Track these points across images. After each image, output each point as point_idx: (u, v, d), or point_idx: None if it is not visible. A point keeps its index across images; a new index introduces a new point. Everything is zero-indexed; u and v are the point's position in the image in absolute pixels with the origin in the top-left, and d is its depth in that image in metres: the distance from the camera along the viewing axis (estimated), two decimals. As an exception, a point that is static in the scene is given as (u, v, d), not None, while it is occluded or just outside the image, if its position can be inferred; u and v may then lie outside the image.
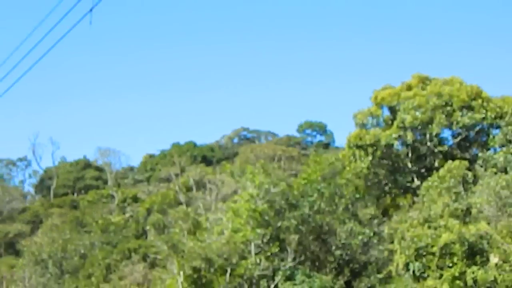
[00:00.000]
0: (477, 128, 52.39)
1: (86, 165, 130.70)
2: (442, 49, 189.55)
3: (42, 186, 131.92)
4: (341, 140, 77.64)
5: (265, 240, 46.99)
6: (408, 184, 52.50)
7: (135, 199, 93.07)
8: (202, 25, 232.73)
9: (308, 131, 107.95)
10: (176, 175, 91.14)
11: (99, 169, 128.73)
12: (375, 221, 49.99)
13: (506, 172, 45.84)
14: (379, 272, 45.86)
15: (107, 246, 74.08)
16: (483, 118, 51.44)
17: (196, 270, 44.65)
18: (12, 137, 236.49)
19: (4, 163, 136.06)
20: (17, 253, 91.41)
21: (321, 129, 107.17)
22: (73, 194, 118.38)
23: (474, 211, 40.81)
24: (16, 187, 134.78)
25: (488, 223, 38.21)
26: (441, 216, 38.71)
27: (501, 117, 50.93)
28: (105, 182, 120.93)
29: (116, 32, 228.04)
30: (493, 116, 51.20)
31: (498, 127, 51.50)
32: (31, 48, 17.23)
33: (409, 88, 53.44)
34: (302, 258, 47.34)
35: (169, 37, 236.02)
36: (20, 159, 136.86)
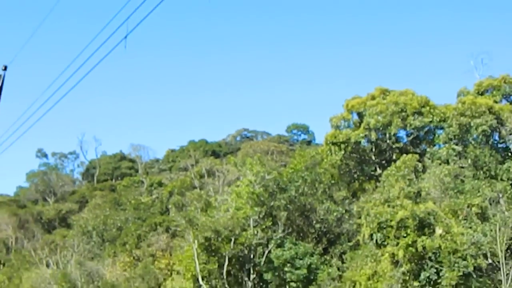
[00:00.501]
0: (426, 129, 52.33)
1: (122, 157, 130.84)
2: (399, 66, 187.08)
3: (88, 174, 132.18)
4: (320, 138, 77.89)
5: (260, 216, 47.46)
6: (372, 173, 52.76)
7: (160, 184, 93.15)
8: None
9: (295, 131, 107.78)
10: (192, 165, 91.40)
11: (132, 160, 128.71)
12: (347, 201, 50.14)
13: (448, 163, 46.04)
14: (349, 241, 46.23)
15: (138, 220, 74.49)
16: (430, 121, 51.50)
17: (207, 239, 44.88)
18: (63, 133, 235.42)
19: (58, 156, 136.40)
20: (68, 226, 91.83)
21: (305, 129, 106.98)
22: (111, 180, 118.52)
23: (423, 193, 40.94)
24: (67, 174, 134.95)
25: (434, 203, 38.19)
26: (398, 197, 38.57)
27: (444, 121, 50.99)
28: (137, 171, 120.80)
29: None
30: (438, 119, 51.33)
31: (442, 128, 51.58)
32: (76, 69, 18.46)
33: (373, 98, 53.52)
34: (290, 230, 47.54)
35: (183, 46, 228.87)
36: (70, 153, 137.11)
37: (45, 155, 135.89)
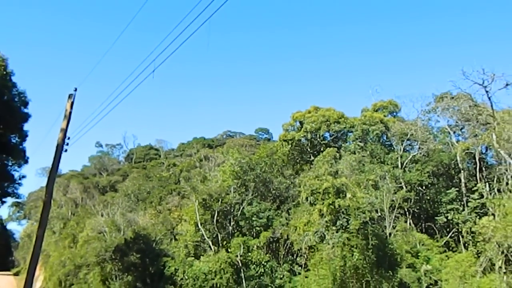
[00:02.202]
0: (341, 132, 52.34)
1: (150, 147, 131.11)
2: (325, 91, 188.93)
3: (128, 158, 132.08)
4: (276, 137, 78.42)
5: (238, 185, 47.20)
6: (308, 159, 52.26)
7: (174, 165, 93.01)
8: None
9: (260, 132, 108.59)
10: (195, 153, 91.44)
11: (156, 149, 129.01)
12: (292, 177, 49.83)
13: (354, 153, 46.37)
14: (293, 201, 45.86)
15: (160, 187, 74.30)
16: (344, 127, 51.74)
17: (204, 199, 44.54)
18: (113, 131, 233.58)
19: (109, 146, 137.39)
20: (115, 191, 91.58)
21: (266, 131, 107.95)
22: (143, 162, 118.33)
23: (339, 172, 40.59)
24: (115, 158, 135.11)
25: (346, 178, 37.88)
26: (323, 174, 38.23)
27: (352, 127, 51.34)
28: (160, 156, 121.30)
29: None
30: (349, 126, 51.67)
31: (351, 132, 51.92)
32: (119, 93, 18.16)
33: (309, 112, 53.62)
34: (256, 194, 47.22)
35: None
36: (117, 144, 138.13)
37: (101, 145, 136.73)
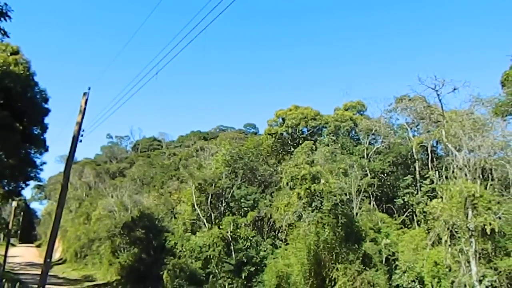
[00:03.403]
0: (317, 128, 52.48)
1: (154, 139, 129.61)
2: (305, 91, 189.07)
3: (135, 148, 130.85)
4: (262, 131, 78.49)
5: (229, 172, 47.27)
6: (289, 150, 52.02)
7: (174, 154, 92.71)
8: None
9: (248, 127, 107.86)
10: (192, 144, 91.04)
11: (159, 141, 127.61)
12: (275, 165, 49.88)
13: (328, 146, 46.45)
14: (276, 186, 45.73)
15: (162, 173, 74.12)
16: (319, 124, 51.86)
17: (199, 184, 44.44)
18: (121, 124, 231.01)
19: (118, 137, 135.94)
20: (124, 176, 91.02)
21: (253, 126, 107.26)
22: (148, 151, 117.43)
23: (315, 161, 40.31)
24: (123, 148, 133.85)
25: (320, 166, 37.75)
26: (301, 163, 37.96)
27: (327, 123, 51.46)
28: (162, 147, 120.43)
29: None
30: (323, 123, 51.74)
31: (325, 127, 51.98)
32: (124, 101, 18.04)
33: (290, 110, 53.37)
34: (244, 180, 47.49)
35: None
36: (125, 136, 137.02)
37: (111, 137, 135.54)
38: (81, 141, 23.24)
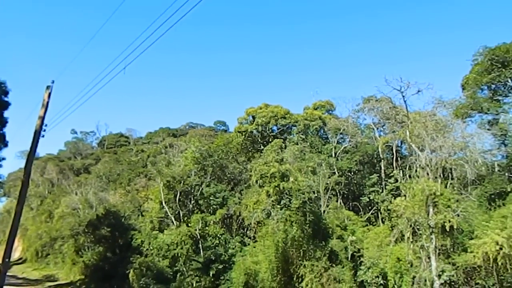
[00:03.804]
0: (287, 126, 52.79)
1: (121, 135, 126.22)
2: (276, 90, 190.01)
3: (101, 144, 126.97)
4: (232, 129, 78.22)
5: (198, 170, 46.81)
6: (259, 148, 52.29)
7: (142, 151, 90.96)
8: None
9: (218, 124, 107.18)
10: (161, 141, 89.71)
11: (126, 137, 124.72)
12: (244, 163, 49.86)
13: (297, 144, 46.96)
14: (245, 183, 45.86)
15: (129, 170, 72.72)
16: (289, 122, 52.20)
17: (168, 181, 43.83)
18: (87, 120, 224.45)
19: (84, 133, 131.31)
20: (89, 172, 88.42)
21: (223, 124, 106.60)
22: (115, 148, 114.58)
23: (284, 160, 40.31)
24: (88, 143, 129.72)
25: (289, 165, 38.15)
26: (271, 161, 37.80)
27: (296, 122, 51.93)
28: (129, 143, 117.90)
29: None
30: (293, 121, 52.19)
31: (295, 126, 52.36)
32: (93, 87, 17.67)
33: (261, 108, 53.56)
34: (213, 177, 47.22)
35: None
36: (91, 131, 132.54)
37: (76, 132, 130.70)
38: (43, 136, 22.49)
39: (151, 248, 41.45)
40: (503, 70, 36.20)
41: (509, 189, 32.01)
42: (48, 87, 22.71)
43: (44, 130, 22.56)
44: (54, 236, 63.63)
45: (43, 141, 23.25)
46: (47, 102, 22.59)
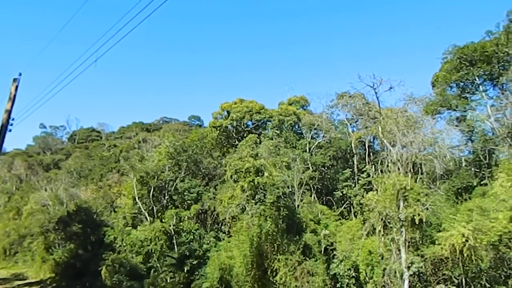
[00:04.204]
0: (262, 121, 53.07)
1: (93, 130, 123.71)
2: (251, 85, 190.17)
3: (71, 139, 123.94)
4: (206, 123, 77.66)
5: (172, 165, 46.36)
6: (233, 143, 52.15)
7: (115, 146, 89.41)
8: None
9: (193, 119, 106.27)
10: (134, 136, 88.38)
11: (98, 132, 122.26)
12: (219, 158, 49.83)
13: (272, 139, 47.01)
14: (220, 178, 45.77)
15: (101, 165, 71.26)
16: (264, 117, 52.44)
17: (141, 177, 43.20)
18: (57, 113, 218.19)
19: (53, 127, 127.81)
20: (59, 168, 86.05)
21: (198, 118, 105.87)
22: (86, 143, 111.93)
23: (259, 155, 39.83)
24: (58, 138, 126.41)
25: (264, 159, 37.89)
26: (246, 156, 37.61)
27: (271, 117, 52.14)
28: (101, 137, 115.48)
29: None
30: (268, 116, 52.41)
31: (270, 121, 52.62)
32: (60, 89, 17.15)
33: (235, 103, 53.54)
34: (188, 173, 46.88)
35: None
36: (61, 126, 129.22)
37: (45, 127, 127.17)
38: (10, 130, 21.74)
39: (124, 244, 40.86)
40: (471, 68, 37.39)
41: (475, 184, 33.31)
42: (15, 80, 21.95)
43: (11, 124, 21.83)
44: (23, 234, 61.63)
45: (10, 136, 22.47)
46: (14, 95, 21.83)
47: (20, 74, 22.05)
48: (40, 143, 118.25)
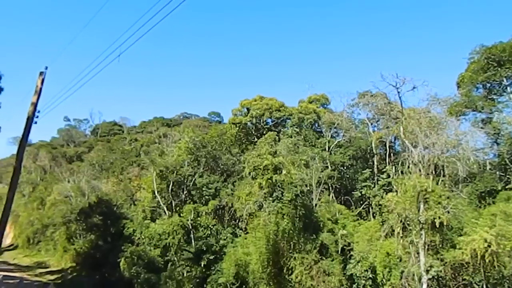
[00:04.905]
0: (281, 119, 52.90)
1: (115, 124, 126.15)
2: (271, 83, 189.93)
3: (94, 132, 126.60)
4: (226, 120, 78.05)
5: (191, 160, 46.76)
6: (252, 140, 52.34)
7: (136, 140, 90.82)
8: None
9: (213, 115, 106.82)
10: (155, 130, 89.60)
11: (120, 125, 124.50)
12: (238, 154, 49.73)
13: (291, 137, 47.05)
14: (238, 175, 45.76)
15: (122, 159, 72.51)
16: (284, 115, 52.31)
17: (161, 171, 43.70)
18: (81, 106, 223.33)
19: (77, 120, 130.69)
20: (82, 160, 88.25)
21: (218, 115, 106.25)
22: (108, 136, 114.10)
23: (278, 152, 40.61)
24: (82, 131, 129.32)
25: (283, 157, 38.24)
26: (264, 154, 38.02)
27: (291, 115, 51.96)
28: (123, 131, 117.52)
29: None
30: (288, 114, 52.22)
31: (289, 119, 52.41)
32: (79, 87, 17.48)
33: (255, 100, 53.57)
34: (207, 168, 47.30)
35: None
36: (84, 119, 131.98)
37: (69, 120, 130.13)
38: (36, 122, 22.39)
39: (143, 237, 41.53)
40: (499, 69, 36.30)
41: (499, 188, 32.38)
42: (41, 73, 22.54)
43: (37, 117, 22.46)
44: (46, 223, 63.51)
45: (35, 128, 23.19)
46: (40, 89, 22.44)
47: (46, 68, 22.63)
48: (64, 136, 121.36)
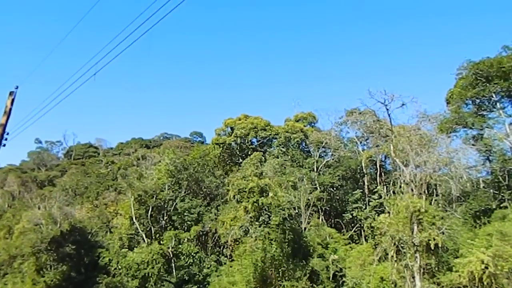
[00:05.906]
0: (267, 139, 53.01)
1: (90, 145, 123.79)
2: (255, 101, 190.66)
3: (68, 154, 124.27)
4: (209, 140, 77.57)
5: (172, 183, 46.29)
6: (237, 161, 52.12)
7: (112, 162, 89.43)
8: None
9: (194, 135, 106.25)
10: (133, 152, 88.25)
11: (96, 147, 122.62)
12: (222, 176, 49.32)
13: (278, 158, 47.16)
14: (222, 199, 45.36)
15: (98, 183, 71.19)
16: (270, 134, 52.44)
17: (139, 195, 43.18)
18: (53, 129, 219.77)
19: (49, 143, 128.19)
20: (54, 185, 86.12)
21: (200, 135, 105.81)
22: (82, 159, 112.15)
23: (264, 174, 40.13)
24: (54, 154, 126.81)
25: (269, 179, 38.06)
26: (249, 175, 37.88)
27: (277, 134, 52.18)
28: (98, 154, 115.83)
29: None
30: (274, 133, 52.43)
31: (275, 138, 52.60)
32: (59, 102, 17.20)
33: (240, 119, 53.69)
34: (188, 192, 46.72)
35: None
36: (57, 141, 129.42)
37: (40, 142, 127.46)
38: (4, 145, 21.76)
39: (120, 267, 40.45)
40: (487, 84, 37.29)
41: (494, 206, 32.79)
42: (11, 93, 22.10)
43: (6, 139, 21.85)
44: (13, 254, 61.22)
45: (4, 151, 22.52)
46: (10, 109, 21.93)
47: (16, 87, 22.19)
48: (35, 159, 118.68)
